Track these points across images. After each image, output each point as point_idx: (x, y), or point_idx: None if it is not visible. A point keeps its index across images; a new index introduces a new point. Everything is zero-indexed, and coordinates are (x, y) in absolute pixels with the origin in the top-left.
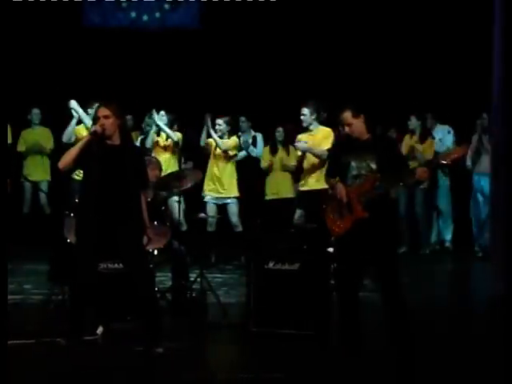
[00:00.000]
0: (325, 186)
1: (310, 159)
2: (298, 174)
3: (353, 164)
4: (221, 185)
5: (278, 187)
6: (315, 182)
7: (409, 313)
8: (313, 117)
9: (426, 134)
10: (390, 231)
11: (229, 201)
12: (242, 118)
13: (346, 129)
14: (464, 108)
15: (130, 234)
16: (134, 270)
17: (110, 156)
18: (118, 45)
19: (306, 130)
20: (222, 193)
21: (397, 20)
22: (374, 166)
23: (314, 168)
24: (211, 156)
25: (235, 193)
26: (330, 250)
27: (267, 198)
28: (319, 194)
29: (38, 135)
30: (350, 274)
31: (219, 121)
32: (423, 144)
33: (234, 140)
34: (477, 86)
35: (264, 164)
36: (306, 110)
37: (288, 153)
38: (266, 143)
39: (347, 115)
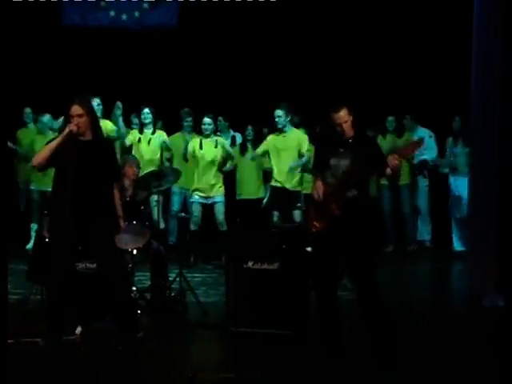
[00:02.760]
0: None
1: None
2: None
3: (332, 162)
4: (208, 184)
5: (249, 187)
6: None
7: (387, 312)
8: (287, 118)
9: (402, 131)
10: (364, 230)
11: (217, 200)
12: (220, 118)
13: (343, 126)
14: (442, 109)
15: (103, 229)
16: (106, 265)
17: (83, 152)
18: (97, 44)
19: (276, 130)
20: (210, 192)
21: (376, 23)
22: (351, 164)
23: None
24: (196, 157)
25: (222, 192)
26: (309, 249)
27: (239, 197)
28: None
29: (33, 134)
30: (326, 272)
31: (207, 119)
32: (401, 139)
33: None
34: (455, 88)
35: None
36: (280, 112)
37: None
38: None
39: (344, 113)
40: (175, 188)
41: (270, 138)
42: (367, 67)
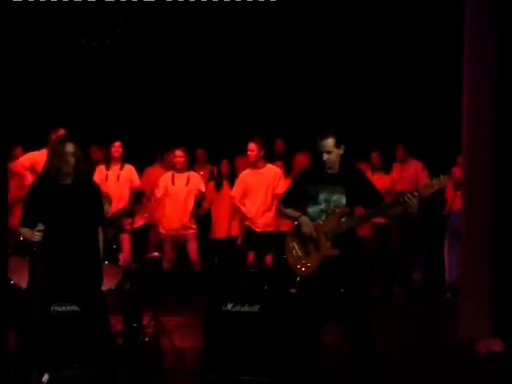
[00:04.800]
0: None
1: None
2: None
3: (321, 196)
4: (181, 221)
5: (224, 225)
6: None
7: (379, 361)
8: (260, 153)
9: (390, 166)
10: (361, 270)
11: (189, 238)
12: (199, 151)
13: (325, 156)
14: (437, 141)
15: (88, 275)
16: (90, 312)
17: (62, 196)
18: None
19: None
20: (182, 229)
21: (369, 52)
22: (344, 199)
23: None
24: (168, 193)
25: (195, 229)
26: (293, 290)
27: (213, 236)
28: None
29: None
30: (315, 318)
31: (179, 152)
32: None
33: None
34: (450, 119)
35: (205, 204)
36: (253, 146)
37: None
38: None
39: (330, 142)
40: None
41: (243, 173)
42: (355, 96)
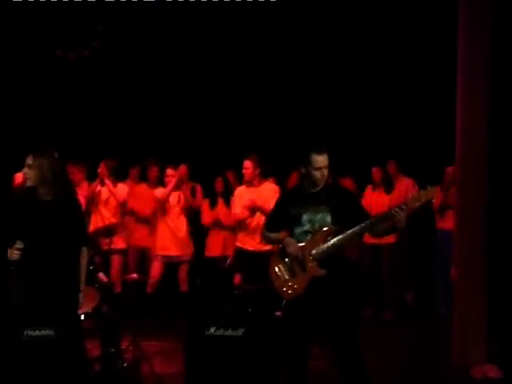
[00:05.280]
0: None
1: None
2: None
3: (305, 217)
4: (175, 241)
5: (220, 244)
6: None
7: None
8: (256, 171)
9: (390, 184)
10: (349, 291)
11: (183, 259)
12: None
13: (324, 172)
14: (429, 156)
15: (64, 298)
16: (65, 337)
17: (40, 213)
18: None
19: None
20: (176, 250)
21: (359, 67)
22: (328, 218)
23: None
24: (161, 209)
25: (191, 250)
26: (278, 313)
27: (207, 255)
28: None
29: None
30: (301, 342)
31: (170, 171)
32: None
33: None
34: (442, 133)
35: (206, 220)
36: (248, 164)
37: (229, 205)
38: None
39: (327, 157)
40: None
41: (238, 190)
42: (342, 110)
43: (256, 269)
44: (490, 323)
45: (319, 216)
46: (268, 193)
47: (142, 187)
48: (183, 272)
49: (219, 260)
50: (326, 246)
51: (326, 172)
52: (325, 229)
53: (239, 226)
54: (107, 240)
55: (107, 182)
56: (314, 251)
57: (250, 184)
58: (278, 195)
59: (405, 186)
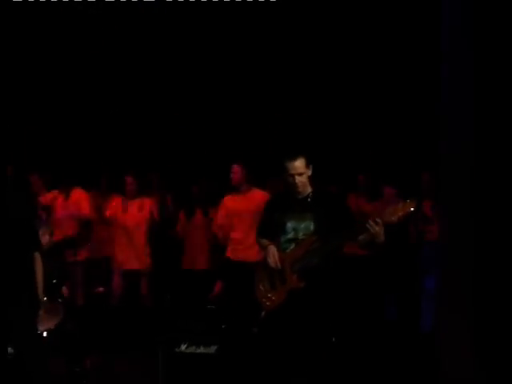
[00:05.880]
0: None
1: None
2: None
3: (289, 225)
4: (134, 254)
5: (195, 257)
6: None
7: None
8: (244, 176)
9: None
10: (329, 305)
11: (140, 272)
12: (154, 175)
13: (297, 179)
14: (409, 164)
15: (21, 311)
16: (25, 354)
17: None
18: None
19: (233, 190)
20: (135, 263)
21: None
22: (312, 227)
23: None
24: (118, 222)
25: (149, 263)
26: (255, 329)
27: (184, 267)
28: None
29: None
30: (279, 357)
31: (130, 179)
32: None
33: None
34: (422, 139)
35: (181, 230)
36: (236, 168)
37: (207, 216)
38: (180, 205)
39: (301, 163)
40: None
41: (226, 199)
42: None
43: (240, 280)
44: (479, 348)
45: (303, 224)
46: (257, 200)
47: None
48: (144, 286)
49: (196, 272)
50: (306, 256)
51: (304, 178)
52: (307, 238)
53: (219, 235)
54: (71, 251)
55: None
56: (294, 262)
57: (237, 190)
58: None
59: (387, 196)
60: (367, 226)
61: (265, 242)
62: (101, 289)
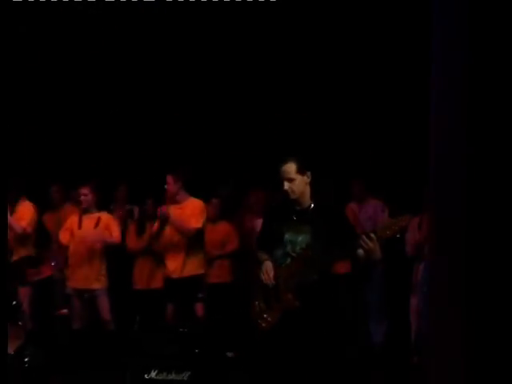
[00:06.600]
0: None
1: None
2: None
3: (287, 237)
4: (88, 273)
5: (147, 275)
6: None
7: None
8: (178, 185)
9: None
10: (327, 327)
11: (98, 293)
12: (121, 187)
13: (285, 185)
14: (399, 176)
15: None
16: None
17: None
18: None
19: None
20: (89, 283)
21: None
22: (310, 241)
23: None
24: (73, 237)
25: (105, 282)
26: (230, 354)
27: (134, 288)
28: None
29: None
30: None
31: (85, 190)
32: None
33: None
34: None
35: (130, 246)
36: (169, 179)
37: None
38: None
39: (290, 168)
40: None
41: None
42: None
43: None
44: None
45: (301, 238)
46: (188, 210)
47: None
48: (104, 310)
49: (148, 293)
50: (301, 273)
51: (294, 185)
52: (304, 253)
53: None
54: (34, 270)
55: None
56: (289, 280)
57: (172, 201)
58: (202, 213)
59: (373, 208)
60: (360, 242)
61: (262, 255)
62: (64, 310)
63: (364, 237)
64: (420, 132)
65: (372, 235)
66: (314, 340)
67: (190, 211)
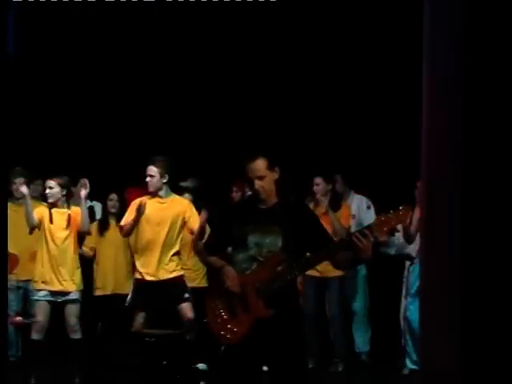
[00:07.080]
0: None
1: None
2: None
3: (251, 239)
4: (60, 275)
5: (110, 279)
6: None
7: None
8: (163, 179)
9: (338, 200)
10: (301, 335)
11: (70, 297)
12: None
13: (257, 183)
14: (385, 170)
15: None
16: None
17: None
18: None
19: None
20: (61, 286)
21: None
22: (280, 242)
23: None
24: (43, 234)
25: (79, 286)
26: (200, 366)
27: (96, 293)
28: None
29: None
30: None
31: (51, 183)
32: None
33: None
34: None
35: (86, 250)
36: (153, 170)
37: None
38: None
39: (260, 164)
40: (11, 281)
41: (138, 200)
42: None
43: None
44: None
45: (269, 239)
46: (177, 208)
47: None
48: (70, 314)
49: (113, 299)
50: (274, 280)
51: (265, 183)
52: (274, 256)
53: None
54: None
55: None
56: (259, 286)
57: (154, 195)
58: (192, 216)
59: (356, 205)
60: (354, 239)
61: (215, 260)
62: (19, 318)
63: (358, 233)
64: (407, 128)
65: (366, 232)
66: (293, 349)
67: (178, 211)
